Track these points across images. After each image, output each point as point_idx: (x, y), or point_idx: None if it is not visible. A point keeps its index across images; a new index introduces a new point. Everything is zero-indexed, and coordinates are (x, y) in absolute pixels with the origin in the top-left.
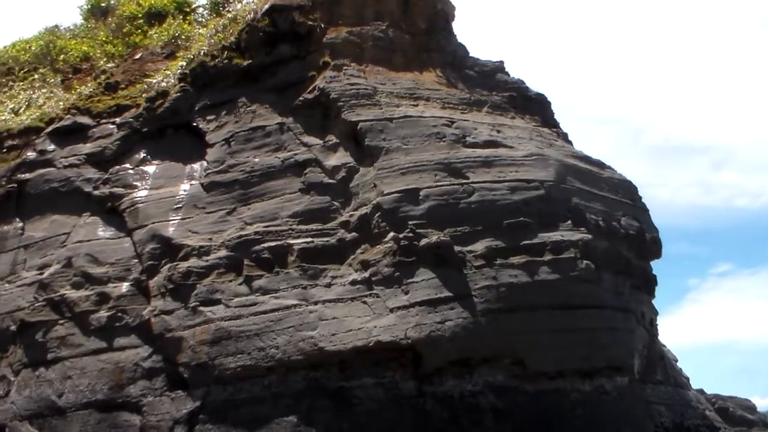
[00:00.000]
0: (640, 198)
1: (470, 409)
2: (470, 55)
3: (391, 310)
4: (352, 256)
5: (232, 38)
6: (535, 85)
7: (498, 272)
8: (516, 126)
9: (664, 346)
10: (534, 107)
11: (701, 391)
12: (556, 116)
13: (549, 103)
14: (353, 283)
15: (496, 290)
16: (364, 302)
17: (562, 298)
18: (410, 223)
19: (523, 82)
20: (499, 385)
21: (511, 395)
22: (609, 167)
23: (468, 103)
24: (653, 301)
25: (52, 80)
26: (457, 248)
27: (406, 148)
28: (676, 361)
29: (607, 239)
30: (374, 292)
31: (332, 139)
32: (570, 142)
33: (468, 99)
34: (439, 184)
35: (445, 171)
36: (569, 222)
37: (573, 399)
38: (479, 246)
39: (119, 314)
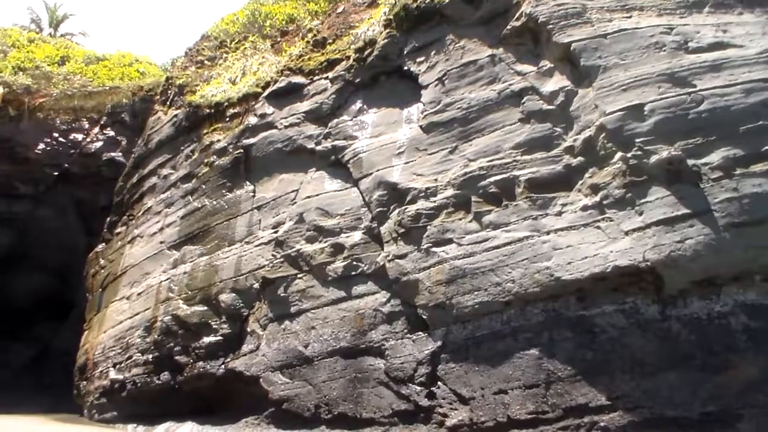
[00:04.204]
0: None
1: (720, 331)
2: None
3: (626, 233)
4: (581, 182)
5: None
6: None
7: (739, 183)
8: (745, 22)
9: None
10: None
11: None
12: None
13: None
14: (584, 208)
15: (739, 202)
16: (598, 227)
17: None
18: (637, 140)
19: None
20: (751, 304)
21: (766, 314)
22: None
23: (686, 5)
24: None
25: (262, 46)
26: (690, 162)
27: (624, 63)
28: None
29: None
30: (607, 215)
31: (546, 64)
32: None
33: (685, 1)
34: (664, 96)
35: (669, 82)
36: None
37: None
38: (715, 157)
39: (354, 263)
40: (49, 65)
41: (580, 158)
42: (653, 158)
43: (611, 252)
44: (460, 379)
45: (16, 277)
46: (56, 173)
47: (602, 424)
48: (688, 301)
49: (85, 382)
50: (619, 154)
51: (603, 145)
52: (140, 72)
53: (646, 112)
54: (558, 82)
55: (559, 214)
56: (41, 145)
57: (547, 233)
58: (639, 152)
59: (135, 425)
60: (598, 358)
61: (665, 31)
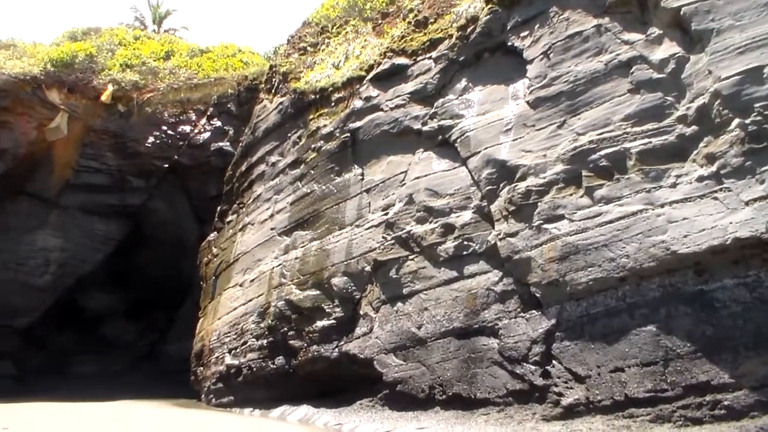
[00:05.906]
0: None
1: None
2: None
3: (746, 203)
4: (695, 151)
5: None
6: None
7: None
8: None
9: None
10: None
11: None
12: None
13: None
14: (700, 179)
15: None
16: (715, 198)
17: None
18: (756, 105)
19: None
20: None
21: None
22: None
23: None
24: None
25: (364, 29)
26: None
27: (740, 24)
28: None
29: None
30: (725, 186)
31: (654, 31)
32: None
33: None
34: None
35: None
36: None
37: None
38: None
39: (465, 242)
40: (154, 61)
41: (694, 127)
42: None
43: (730, 223)
44: (575, 358)
45: (132, 268)
46: (166, 165)
47: (726, 402)
48: None
49: (201, 368)
50: (736, 121)
51: (718, 113)
52: (244, 62)
53: (765, 75)
54: (668, 49)
55: (674, 185)
56: (151, 139)
57: (662, 206)
58: (759, 117)
59: (251, 409)
60: (719, 334)
61: None
